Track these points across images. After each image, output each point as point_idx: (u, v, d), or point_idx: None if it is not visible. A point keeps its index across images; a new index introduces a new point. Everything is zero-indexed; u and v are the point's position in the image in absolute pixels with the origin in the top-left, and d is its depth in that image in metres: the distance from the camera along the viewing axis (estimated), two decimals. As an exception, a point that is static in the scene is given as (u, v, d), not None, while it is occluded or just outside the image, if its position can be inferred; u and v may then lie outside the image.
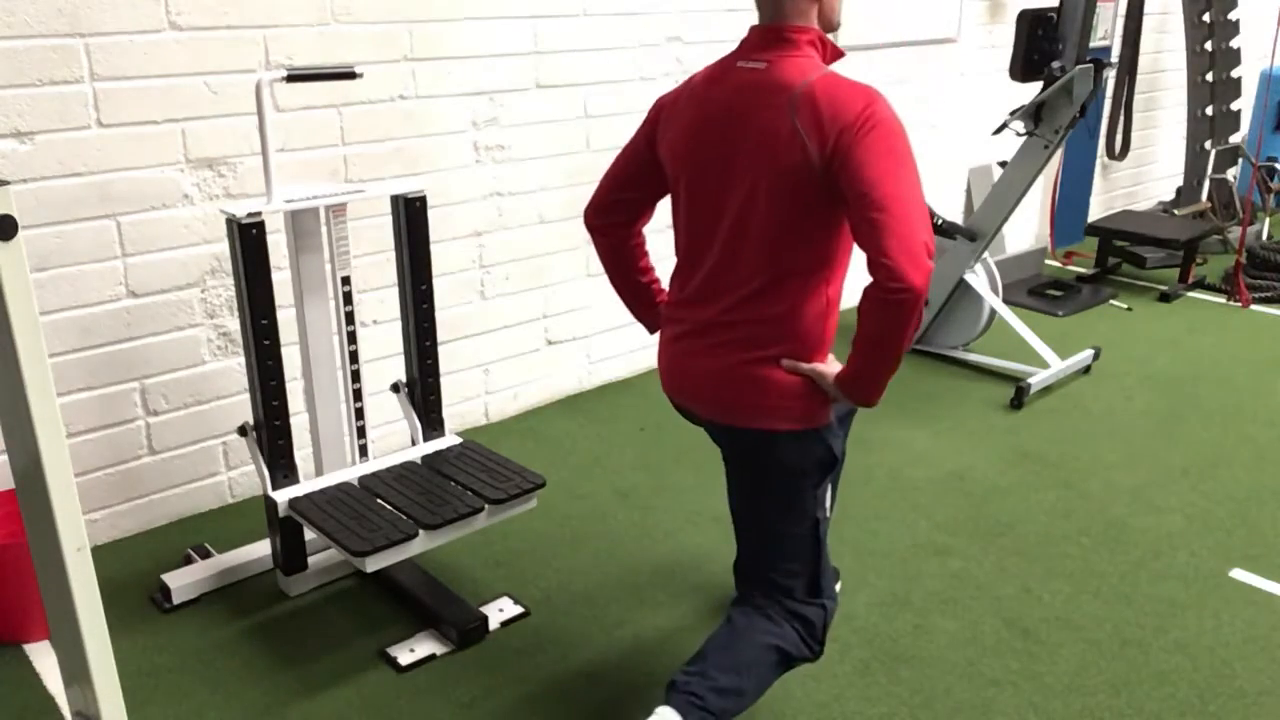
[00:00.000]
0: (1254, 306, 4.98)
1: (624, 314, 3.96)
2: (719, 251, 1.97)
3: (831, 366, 1.96)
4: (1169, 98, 6.38)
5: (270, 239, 2.48)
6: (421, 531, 2.39)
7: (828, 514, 2.14)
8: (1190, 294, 5.16)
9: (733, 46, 1.97)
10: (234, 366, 3.03)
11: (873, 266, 1.79)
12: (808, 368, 1.95)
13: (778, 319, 1.94)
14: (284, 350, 2.54)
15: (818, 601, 2.13)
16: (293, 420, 2.59)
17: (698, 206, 2.00)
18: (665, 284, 2.21)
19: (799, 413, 1.97)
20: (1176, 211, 5.94)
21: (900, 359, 1.87)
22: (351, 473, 2.65)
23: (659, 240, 2.51)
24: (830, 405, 2.00)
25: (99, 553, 2.84)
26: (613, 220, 2.20)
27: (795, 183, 1.85)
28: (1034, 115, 3.91)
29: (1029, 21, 3.80)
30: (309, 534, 2.63)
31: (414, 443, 2.81)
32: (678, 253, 2.09)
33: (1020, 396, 3.83)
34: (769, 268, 1.92)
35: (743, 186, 1.91)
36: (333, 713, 2.29)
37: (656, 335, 2.21)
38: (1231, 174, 6.08)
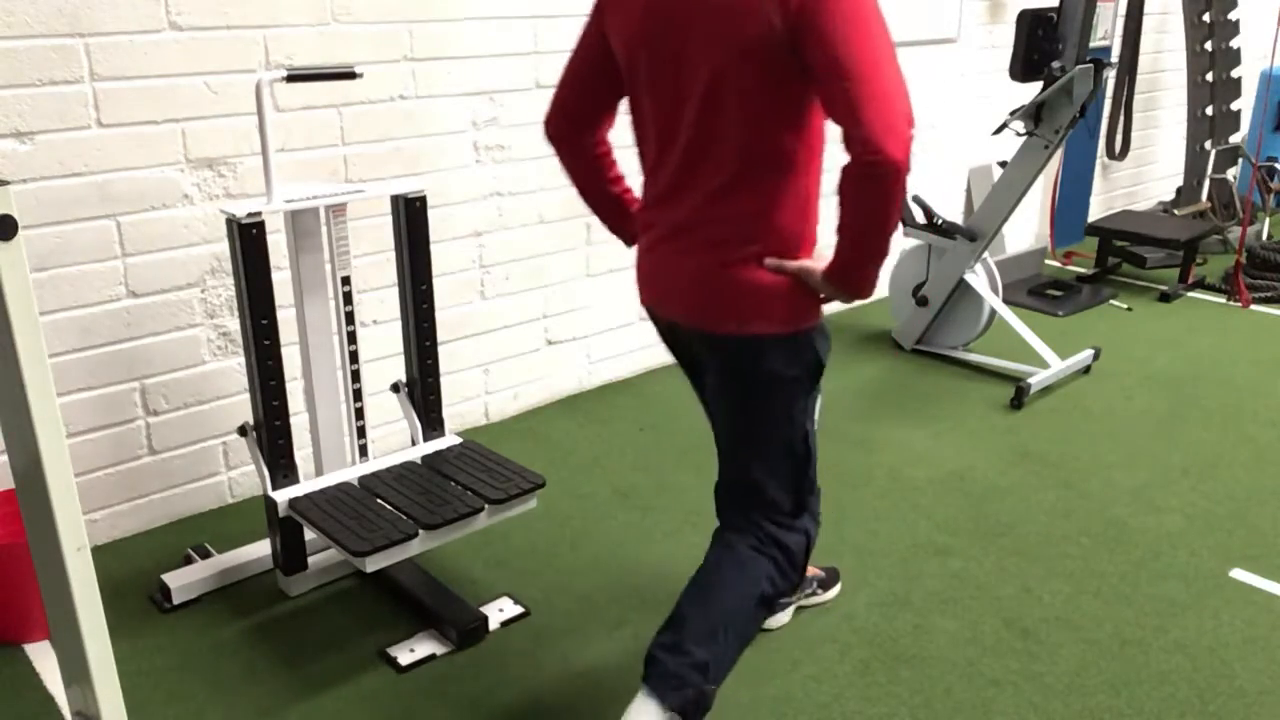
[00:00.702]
0: (1254, 306, 4.98)
1: (624, 314, 3.98)
2: (685, 143, 1.84)
3: (818, 262, 1.85)
4: (1169, 98, 6.38)
5: (270, 239, 2.49)
6: (421, 531, 2.39)
7: (815, 425, 2.06)
8: (1190, 294, 5.16)
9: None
10: (234, 366, 3.04)
11: (848, 141, 1.67)
12: (794, 265, 1.84)
13: (753, 215, 1.83)
14: (284, 350, 2.54)
15: (801, 526, 2.07)
16: (293, 420, 2.59)
17: (657, 96, 1.86)
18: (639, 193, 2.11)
19: (785, 315, 1.87)
20: (1176, 211, 5.94)
21: (888, 242, 1.75)
22: (351, 473, 2.65)
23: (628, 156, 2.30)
24: (818, 305, 1.91)
25: (99, 553, 2.84)
26: (575, 127, 2.06)
27: (759, 57, 1.71)
28: (1034, 115, 3.91)
29: (1029, 21, 3.80)
30: (309, 534, 2.63)
31: (414, 443, 2.81)
32: (642, 153, 1.96)
33: (1020, 396, 3.83)
34: (739, 158, 1.80)
35: (703, 67, 1.77)
36: (333, 713, 2.29)
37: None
38: (1231, 174, 6.08)
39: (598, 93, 2.02)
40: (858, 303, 2.01)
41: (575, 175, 2.15)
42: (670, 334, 2.11)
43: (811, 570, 2.60)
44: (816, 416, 2.08)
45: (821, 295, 1.90)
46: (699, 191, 1.85)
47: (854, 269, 1.80)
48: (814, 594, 2.63)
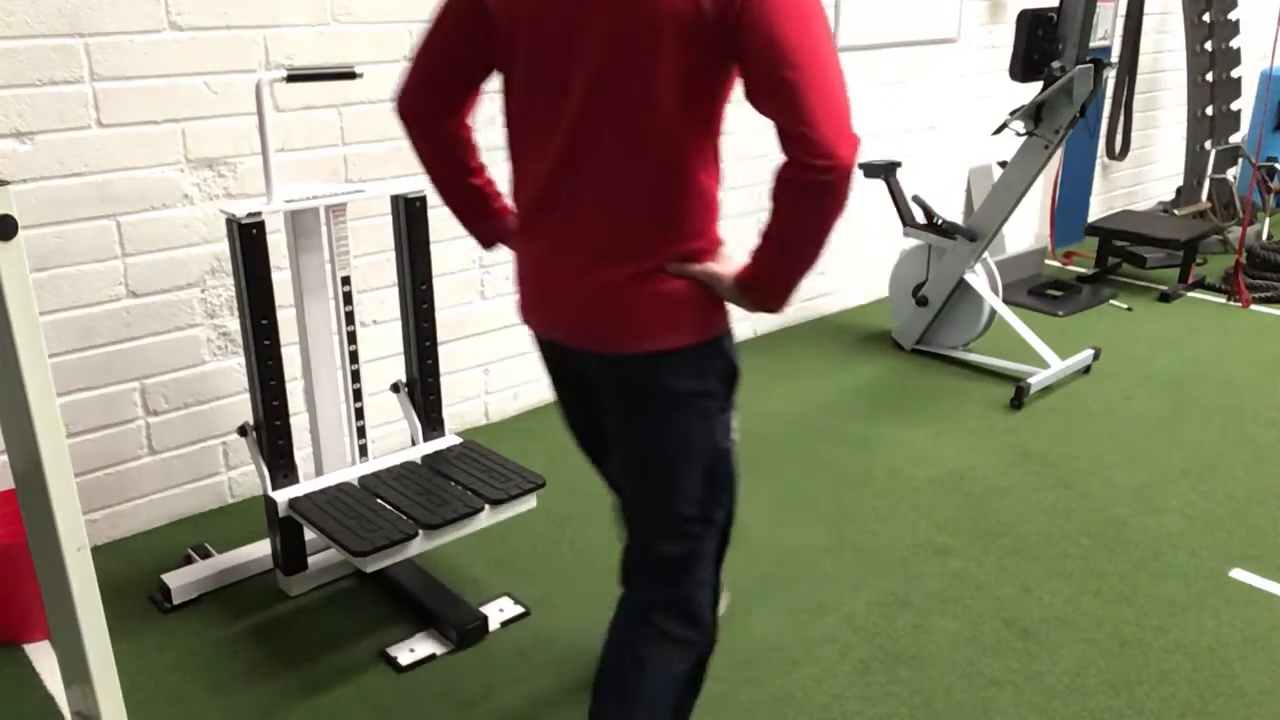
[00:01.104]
0: (1254, 306, 4.98)
1: (624, 314, 3.98)
2: (571, 135, 1.59)
3: (726, 266, 1.65)
4: (1169, 98, 6.38)
5: (270, 239, 2.48)
6: (421, 531, 2.39)
7: (734, 441, 1.83)
8: (1190, 294, 5.16)
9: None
10: (234, 366, 3.03)
11: (789, 140, 1.47)
12: (699, 270, 1.63)
13: (651, 220, 1.61)
14: (284, 350, 2.54)
15: (709, 582, 1.82)
16: (293, 420, 2.59)
17: (541, 75, 1.61)
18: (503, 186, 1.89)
19: (693, 323, 1.66)
20: (1176, 211, 5.94)
21: (818, 257, 1.56)
22: (351, 473, 2.65)
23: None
24: (725, 311, 1.72)
25: (99, 553, 2.84)
26: (437, 105, 1.78)
27: (671, 40, 1.50)
28: (1034, 115, 3.91)
29: (1029, 21, 3.80)
30: (309, 534, 2.63)
31: (414, 443, 2.81)
32: (513, 146, 1.72)
33: (1020, 396, 3.83)
34: (638, 153, 1.57)
35: (599, 48, 1.53)
36: (333, 713, 2.29)
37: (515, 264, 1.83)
38: (1231, 174, 6.08)
39: (468, 66, 1.73)
40: (780, 314, 1.77)
41: (432, 162, 1.88)
42: (558, 359, 1.87)
43: None
44: (734, 437, 1.85)
45: (729, 302, 1.70)
46: (588, 196, 1.62)
47: (778, 279, 1.62)
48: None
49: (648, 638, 1.81)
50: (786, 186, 1.50)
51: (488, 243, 1.97)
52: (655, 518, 1.80)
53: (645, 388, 1.71)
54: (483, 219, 1.93)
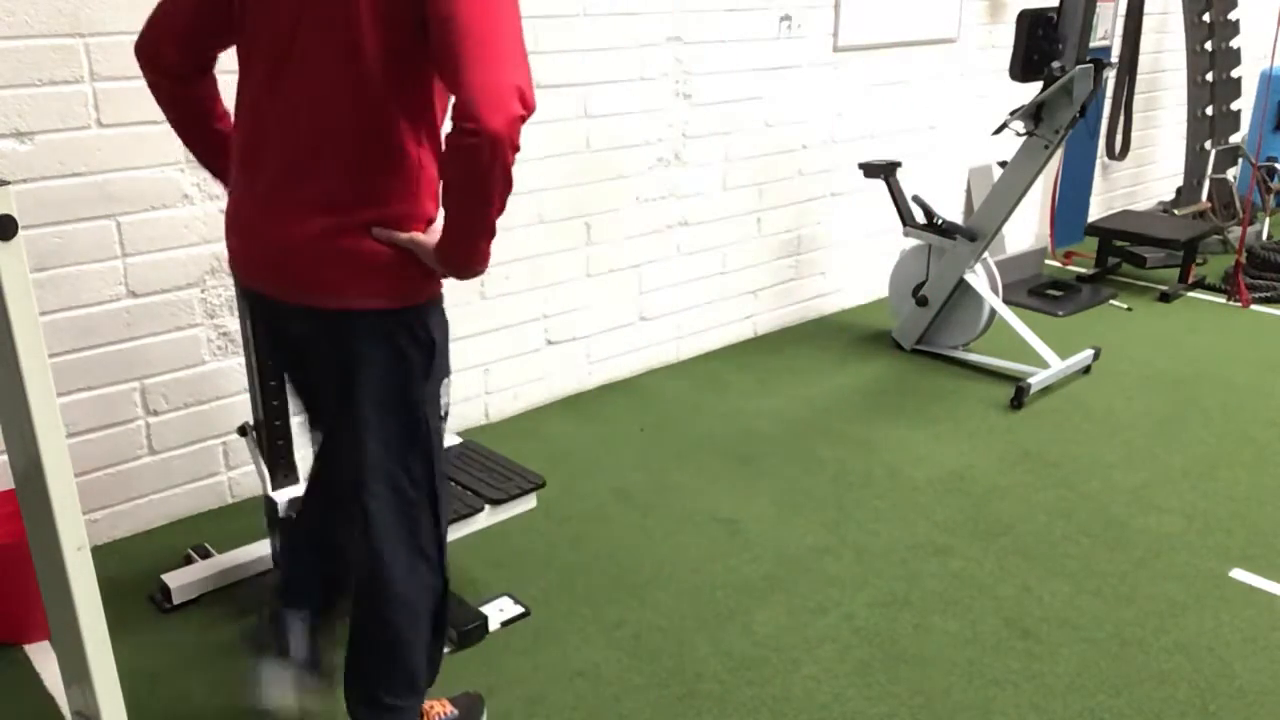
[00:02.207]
0: (1254, 306, 4.98)
1: (624, 314, 3.98)
2: (283, 88, 1.68)
3: (431, 236, 1.71)
4: (1169, 98, 6.38)
5: (270, 239, 2.48)
6: (421, 531, 2.38)
7: (442, 417, 1.88)
8: (1190, 294, 5.16)
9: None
10: (234, 366, 3.03)
11: (453, 106, 1.54)
12: (404, 237, 1.69)
13: (353, 177, 1.68)
14: (284, 350, 2.54)
15: (428, 555, 1.90)
16: (293, 420, 2.59)
17: (261, 31, 1.70)
18: None
19: (389, 288, 1.72)
20: (1176, 211, 5.94)
21: (490, 218, 1.63)
22: (351, 473, 2.65)
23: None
24: (432, 281, 1.77)
25: (99, 553, 2.84)
26: (185, 57, 1.84)
27: (369, 9, 1.60)
28: (1034, 115, 3.91)
29: (1029, 21, 3.80)
30: (309, 534, 2.63)
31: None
32: (238, 95, 1.79)
33: (1020, 396, 3.83)
34: (341, 116, 1.66)
35: (310, 7, 1.64)
36: (332, 713, 2.29)
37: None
38: (1231, 174, 6.08)
39: (218, 18, 1.79)
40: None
41: (174, 113, 1.93)
42: (259, 309, 1.91)
43: (443, 708, 2.18)
44: (444, 415, 1.89)
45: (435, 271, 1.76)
46: (290, 150, 1.70)
47: (457, 242, 1.67)
48: None
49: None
50: (446, 148, 1.57)
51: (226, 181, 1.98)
52: (352, 474, 1.85)
53: (342, 346, 1.77)
54: (226, 160, 1.93)
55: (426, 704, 2.11)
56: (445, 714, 2.15)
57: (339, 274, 1.71)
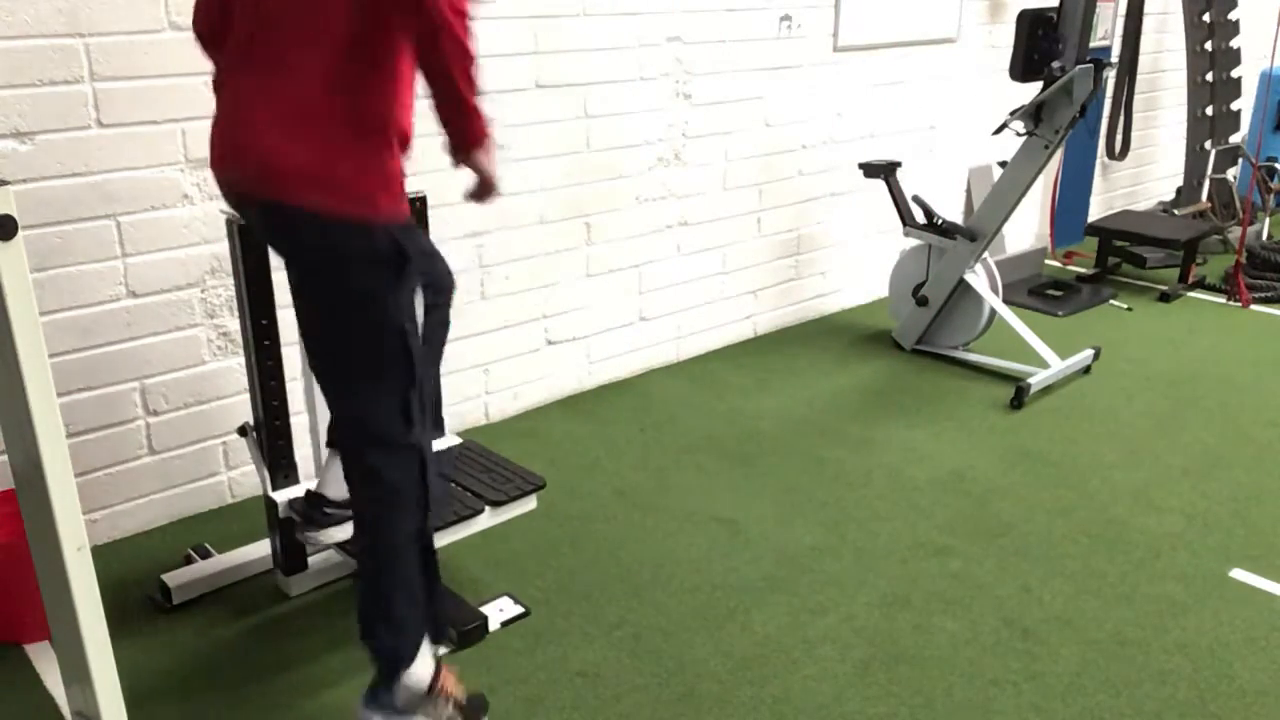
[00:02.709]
0: (1254, 306, 4.98)
1: (624, 314, 3.98)
2: (254, 43, 1.86)
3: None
4: (1169, 98, 6.38)
5: (270, 239, 2.48)
6: (421, 531, 2.38)
7: (419, 328, 1.97)
8: (1190, 294, 5.16)
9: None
10: (234, 366, 3.03)
11: None
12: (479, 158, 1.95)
13: (330, 87, 1.83)
14: (284, 350, 2.54)
15: (407, 443, 1.97)
16: (293, 420, 2.59)
17: None
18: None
19: (347, 193, 1.85)
20: (1176, 211, 5.94)
21: (461, 90, 1.88)
22: (351, 473, 2.65)
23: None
24: (395, 193, 1.92)
25: (99, 553, 2.84)
26: (214, 34, 2.03)
27: None
28: (1034, 115, 3.91)
29: (1029, 21, 3.81)
30: (309, 534, 2.63)
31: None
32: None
33: (1020, 396, 3.83)
34: (320, 30, 1.81)
35: None
36: (333, 712, 2.29)
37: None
38: (1231, 174, 6.08)
39: None
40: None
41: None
42: (242, 207, 2.03)
43: (452, 684, 2.16)
44: (419, 321, 1.98)
45: (474, 188, 2.02)
46: (272, 57, 1.86)
47: (460, 120, 1.91)
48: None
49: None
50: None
51: None
52: (326, 380, 2.02)
53: (304, 243, 1.89)
54: None
55: (444, 671, 2.15)
56: (459, 691, 2.17)
57: (298, 168, 1.85)
